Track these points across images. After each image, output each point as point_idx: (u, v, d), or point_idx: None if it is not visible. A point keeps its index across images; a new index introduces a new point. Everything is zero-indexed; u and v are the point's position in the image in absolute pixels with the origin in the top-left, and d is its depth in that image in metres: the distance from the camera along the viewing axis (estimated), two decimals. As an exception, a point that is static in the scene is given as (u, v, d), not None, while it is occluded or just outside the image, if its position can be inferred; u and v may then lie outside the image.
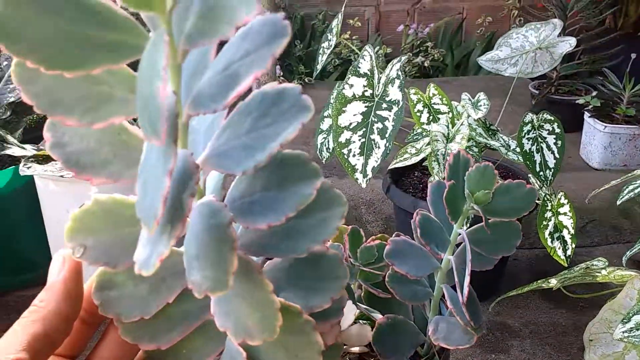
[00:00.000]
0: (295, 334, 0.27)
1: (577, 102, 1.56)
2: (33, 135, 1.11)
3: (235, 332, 0.24)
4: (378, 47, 2.64)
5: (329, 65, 2.52)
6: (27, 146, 0.94)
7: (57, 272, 0.26)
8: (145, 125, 0.20)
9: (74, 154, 0.25)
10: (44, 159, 0.91)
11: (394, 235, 0.53)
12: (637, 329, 0.58)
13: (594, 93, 1.61)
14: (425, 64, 2.48)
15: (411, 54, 2.55)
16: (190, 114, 0.22)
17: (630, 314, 0.59)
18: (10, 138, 0.94)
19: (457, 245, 0.52)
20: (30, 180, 1.00)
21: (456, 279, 0.49)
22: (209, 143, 0.25)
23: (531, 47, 1.20)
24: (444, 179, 0.51)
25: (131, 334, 0.27)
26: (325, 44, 1.02)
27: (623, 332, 0.58)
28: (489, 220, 0.50)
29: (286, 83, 0.24)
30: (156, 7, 0.20)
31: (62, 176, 0.87)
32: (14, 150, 0.91)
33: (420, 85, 2.27)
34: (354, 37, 2.62)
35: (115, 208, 0.26)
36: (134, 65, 0.23)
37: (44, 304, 0.25)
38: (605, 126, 1.44)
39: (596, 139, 1.48)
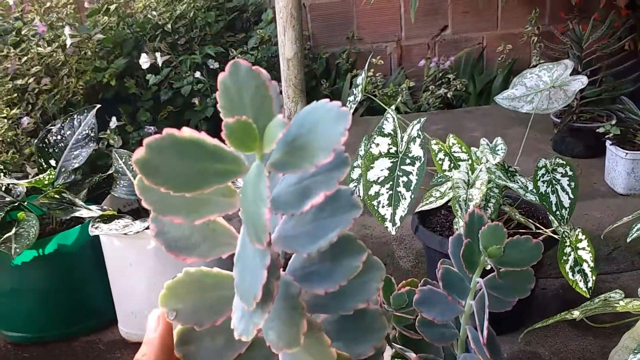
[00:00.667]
0: None
1: (597, 130, 1.61)
2: (94, 194, 1.24)
3: None
4: (398, 79, 2.73)
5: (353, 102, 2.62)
6: (93, 207, 1.06)
7: (154, 329, 0.33)
8: (251, 233, 0.27)
9: (173, 240, 0.32)
10: (108, 219, 1.03)
11: (421, 283, 0.62)
12: (648, 360, 0.64)
13: (614, 120, 1.66)
14: (449, 95, 2.55)
15: (434, 86, 2.64)
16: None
17: (642, 346, 0.65)
18: (78, 201, 1.06)
19: (479, 291, 0.60)
20: (95, 237, 1.12)
21: (477, 322, 0.57)
22: (276, 227, 0.32)
23: (545, 85, 1.27)
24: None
25: None
26: (351, 98, 1.12)
27: (635, 363, 0.64)
28: (501, 270, 0.58)
29: (340, 186, 0.32)
30: (256, 150, 0.28)
31: (125, 234, 0.99)
32: (82, 212, 1.03)
33: (444, 116, 2.33)
34: (377, 74, 2.72)
35: (201, 278, 0.33)
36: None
37: (146, 357, 0.32)
38: (627, 153, 1.49)
39: (619, 165, 1.53)
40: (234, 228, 0.34)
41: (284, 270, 0.34)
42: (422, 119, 0.89)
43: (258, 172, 0.28)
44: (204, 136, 0.28)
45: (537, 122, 2.09)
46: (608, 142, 1.56)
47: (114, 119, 1.70)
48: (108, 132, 1.67)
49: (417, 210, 1.06)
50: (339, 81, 2.71)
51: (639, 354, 0.64)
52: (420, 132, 0.84)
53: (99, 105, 1.31)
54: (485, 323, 0.56)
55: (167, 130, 0.27)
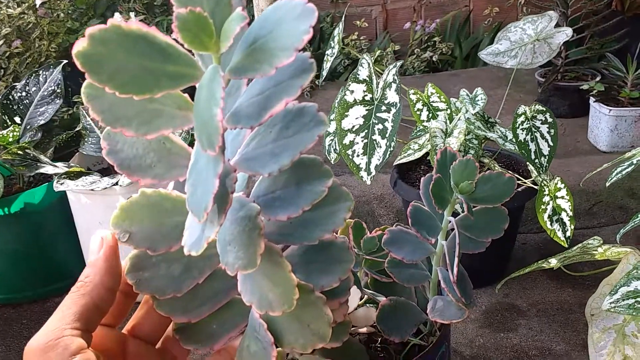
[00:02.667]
0: (308, 307, 0.32)
1: (581, 87, 1.59)
2: (62, 153, 1.20)
3: (259, 305, 0.30)
4: (383, 44, 2.68)
5: (339, 65, 2.57)
6: (59, 164, 1.02)
7: (97, 251, 0.31)
8: (203, 140, 0.25)
9: (126, 160, 0.30)
10: (75, 175, 0.99)
11: (394, 226, 0.59)
12: (623, 300, 0.62)
13: (599, 78, 1.63)
14: (434, 59, 2.51)
15: (419, 50, 2.59)
16: (228, 127, 0.27)
17: (617, 286, 0.64)
18: (43, 157, 1.02)
19: (451, 231, 0.58)
20: (62, 195, 1.09)
21: (447, 261, 0.55)
22: (238, 149, 0.30)
23: (529, 39, 1.24)
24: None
25: (165, 308, 0.32)
26: (329, 52, 1.08)
27: (610, 303, 0.63)
28: (475, 208, 0.56)
29: (305, 102, 0.30)
30: (211, 49, 0.25)
31: (92, 190, 0.95)
32: (48, 169, 1.00)
33: (429, 79, 2.30)
34: (362, 38, 2.67)
35: (159, 200, 0.31)
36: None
37: (89, 279, 0.30)
38: (610, 109, 1.47)
39: (602, 122, 1.51)
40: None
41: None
42: (398, 63, 0.86)
43: (213, 73, 0.25)
44: (154, 31, 0.26)
45: (523, 83, 2.07)
46: (592, 99, 1.54)
47: (88, 82, 1.64)
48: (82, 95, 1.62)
49: (395, 163, 1.03)
50: (323, 45, 2.66)
51: (615, 295, 0.63)
52: (396, 77, 0.81)
53: (65, 61, 1.25)
54: (456, 261, 0.54)
55: (111, 21, 0.25)
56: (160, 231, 0.31)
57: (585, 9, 1.75)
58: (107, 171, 1.15)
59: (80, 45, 0.24)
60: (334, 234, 0.36)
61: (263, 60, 0.25)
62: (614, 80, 1.54)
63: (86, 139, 1.11)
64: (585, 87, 1.57)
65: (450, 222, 0.56)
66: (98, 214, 1.01)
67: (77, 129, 1.16)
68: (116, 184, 0.97)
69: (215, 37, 0.25)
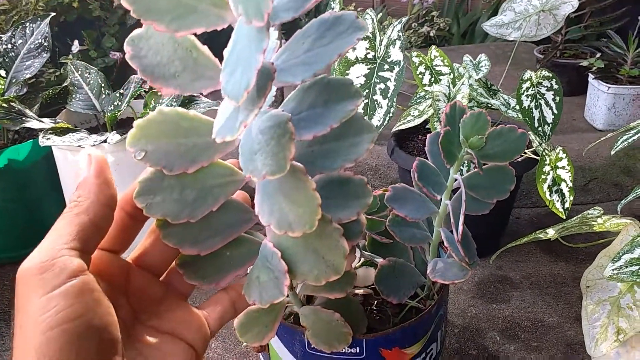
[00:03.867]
0: (324, 238, 0.31)
1: (581, 64, 1.57)
2: (49, 109, 1.16)
3: (278, 224, 0.28)
4: (381, 16, 2.63)
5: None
6: (45, 119, 0.98)
7: (87, 168, 0.28)
8: (249, 10, 0.23)
9: (149, 66, 0.28)
10: (62, 131, 0.95)
11: (397, 184, 0.57)
12: (626, 267, 0.61)
13: (598, 55, 1.62)
14: (431, 34, 2.47)
15: (417, 24, 2.55)
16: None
17: (620, 254, 0.62)
18: (28, 112, 0.98)
19: (455, 192, 0.56)
20: (48, 152, 1.05)
21: (452, 219, 0.53)
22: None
23: (534, 10, 1.21)
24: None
25: (173, 239, 0.30)
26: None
27: (613, 270, 0.61)
28: (484, 166, 0.54)
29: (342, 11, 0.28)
30: None
31: (80, 146, 0.92)
32: (33, 124, 0.96)
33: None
34: (359, 9, 2.61)
35: (176, 119, 0.29)
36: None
37: (82, 198, 0.27)
38: (609, 87, 1.45)
39: (600, 100, 1.49)
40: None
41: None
42: (404, 19, 0.83)
43: None
44: None
45: (522, 61, 2.04)
46: (591, 77, 1.52)
47: (76, 42, 1.59)
48: (70, 56, 1.57)
49: (394, 130, 1.01)
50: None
51: (618, 262, 0.62)
52: (400, 34, 0.78)
53: (53, 13, 1.20)
54: (461, 220, 0.52)
55: None
56: (178, 150, 0.29)
57: (587, -15, 1.72)
58: (95, 130, 1.11)
59: None
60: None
61: None
62: (613, 57, 1.52)
63: (74, 96, 1.07)
64: (584, 63, 1.55)
65: (456, 180, 0.54)
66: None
67: (65, 84, 1.12)
68: (105, 141, 0.93)
69: None
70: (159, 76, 0.28)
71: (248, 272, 0.34)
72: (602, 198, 1.20)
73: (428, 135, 0.56)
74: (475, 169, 0.54)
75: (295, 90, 0.31)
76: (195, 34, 0.27)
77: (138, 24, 0.27)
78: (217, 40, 0.29)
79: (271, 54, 0.29)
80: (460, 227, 0.51)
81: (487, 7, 2.63)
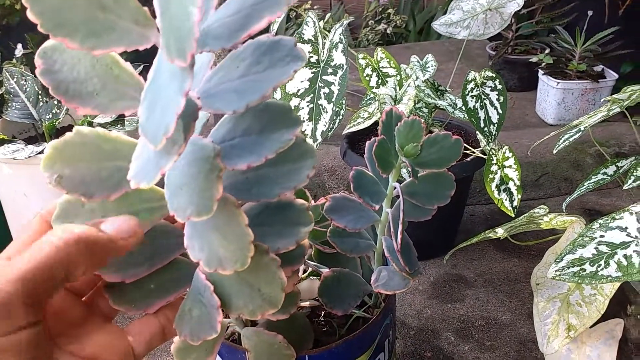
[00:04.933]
0: (260, 270, 0.29)
1: (530, 60, 1.59)
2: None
3: (208, 262, 0.26)
4: (338, 12, 2.62)
5: (289, 34, 2.51)
6: (-22, 131, 0.93)
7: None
8: (170, 46, 0.21)
9: (64, 82, 0.26)
10: (-4, 143, 0.91)
11: (338, 194, 0.56)
12: (568, 267, 0.62)
13: (547, 51, 1.65)
14: (388, 31, 2.48)
15: (373, 22, 2.55)
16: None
17: (563, 254, 0.63)
18: (-40, 123, 0.93)
19: (396, 199, 0.55)
20: (-15, 165, 0.99)
21: (392, 229, 0.52)
22: (196, 88, 0.26)
23: (481, 8, 1.21)
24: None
25: None
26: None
27: (555, 271, 0.62)
28: (421, 174, 0.53)
29: (280, 35, 0.26)
30: None
31: (14, 158, 0.87)
32: (-35, 136, 0.90)
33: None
34: (315, 7, 2.60)
35: (97, 141, 0.27)
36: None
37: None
38: (558, 82, 1.48)
39: (550, 95, 1.52)
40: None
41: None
42: (345, 21, 0.81)
43: None
44: None
45: (475, 57, 2.07)
46: (540, 72, 1.55)
47: (19, 46, 1.53)
48: (14, 60, 1.50)
49: (344, 132, 1.00)
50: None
51: (560, 263, 0.62)
52: (342, 37, 0.76)
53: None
54: (400, 228, 0.51)
55: None
56: (98, 176, 0.27)
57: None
58: (34, 140, 1.06)
59: None
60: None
61: None
62: (562, 53, 1.55)
63: (9, 104, 1.02)
64: (534, 59, 1.58)
65: (395, 188, 0.53)
66: (22, 185, 0.93)
67: (0, 92, 1.06)
68: (41, 152, 0.89)
69: None
70: (75, 95, 0.26)
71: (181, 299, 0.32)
72: (553, 193, 1.22)
73: (367, 143, 0.54)
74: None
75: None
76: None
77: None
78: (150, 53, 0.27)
79: (205, 70, 0.26)
80: (399, 237, 0.50)
81: (442, 4, 2.66)
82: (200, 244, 0.26)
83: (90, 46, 0.23)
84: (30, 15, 0.22)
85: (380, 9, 2.58)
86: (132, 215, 0.28)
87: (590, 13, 1.67)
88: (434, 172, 0.53)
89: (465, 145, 0.97)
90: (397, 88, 0.86)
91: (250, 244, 0.26)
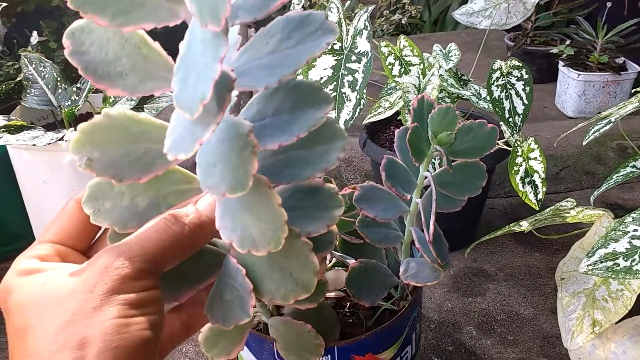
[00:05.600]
0: (292, 254, 0.28)
1: (551, 51, 1.57)
2: (5, 105, 1.09)
3: (240, 242, 0.26)
4: (352, 3, 2.59)
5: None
6: (-2, 117, 0.93)
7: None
8: (204, 10, 0.20)
9: (92, 63, 0.25)
10: (16, 129, 0.90)
11: (365, 183, 0.54)
12: (601, 262, 0.60)
13: (568, 42, 1.62)
14: (403, 22, 2.45)
15: (388, 12, 2.52)
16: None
17: (595, 248, 0.61)
18: (-21, 110, 0.92)
19: (427, 189, 0.54)
20: (4, 151, 0.99)
21: (423, 219, 0.50)
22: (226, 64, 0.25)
23: (504, -3, 1.19)
24: (410, 124, 0.51)
25: None
26: (295, 0, 1.00)
27: (587, 266, 0.60)
28: (453, 162, 0.51)
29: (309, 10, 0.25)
30: None
31: (34, 145, 0.87)
32: (-16, 122, 0.90)
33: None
34: (329, -3, 2.57)
35: (125, 123, 0.26)
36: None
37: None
38: (579, 74, 1.45)
39: (570, 87, 1.49)
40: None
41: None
42: (370, 8, 0.80)
43: None
44: None
45: (493, 48, 2.04)
46: (561, 64, 1.52)
47: (34, 34, 1.52)
48: (29, 48, 1.50)
49: (364, 123, 0.98)
50: (288, 5, 2.55)
51: (592, 257, 0.61)
52: (367, 23, 0.75)
53: (4, 4, 1.13)
54: (432, 220, 0.49)
55: None
56: (127, 158, 0.26)
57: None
58: (52, 127, 1.06)
59: None
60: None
61: None
62: (583, 44, 1.52)
63: (28, 91, 1.02)
64: (554, 50, 1.55)
65: (426, 177, 0.52)
66: (42, 172, 0.93)
67: (18, 79, 1.06)
68: (61, 139, 0.88)
69: None
70: (104, 75, 0.25)
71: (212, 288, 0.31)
72: (574, 187, 1.20)
73: (396, 131, 0.53)
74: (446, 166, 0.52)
75: (259, 92, 0.28)
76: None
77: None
78: (173, 37, 0.26)
79: (232, 51, 0.26)
80: (432, 228, 0.49)
81: (457, -6, 2.62)
82: (233, 224, 0.26)
83: (120, 23, 0.22)
84: None
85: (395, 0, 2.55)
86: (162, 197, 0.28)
87: (609, 4, 1.63)
88: (466, 161, 0.51)
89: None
90: (421, 77, 0.84)
91: (284, 224, 0.25)
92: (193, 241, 0.27)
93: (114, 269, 0.24)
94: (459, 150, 0.50)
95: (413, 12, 2.49)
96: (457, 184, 0.53)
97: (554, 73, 1.59)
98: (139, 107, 0.94)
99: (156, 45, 0.26)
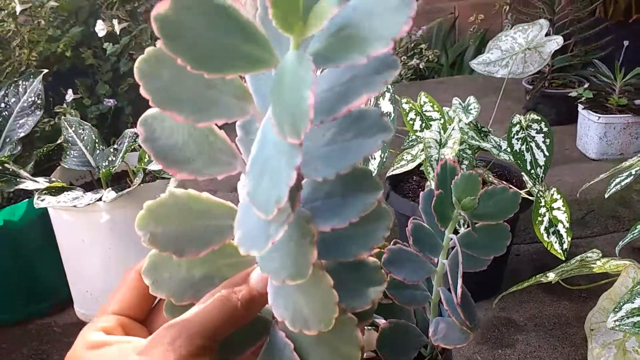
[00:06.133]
0: (339, 329, 0.29)
1: (569, 95, 1.59)
2: (43, 167, 1.16)
3: (293, 321, 0.27)
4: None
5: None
6: (40, 179, 0.98)
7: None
8: (284, 126, 0.22)
9: (163, 149, 0.27)
10: (57, 191, 0.95)
11: (391, 243, 0.57)
12: (628, 317, 0.60)
13: (587, 84, 1.64)
14: (421, 66, 2.51)
15: (406, 57, 2.58)
16: None
17: (621, 303, 0.62)
18: (22, 172, 0.98)
19: (452, 249, 0.56)
20: (44, 211, 1.04)
21: (450, 282, 0.52)
22: None
23: (520, 48, 1.23)
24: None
25: (175, 314, 0.29)
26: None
27: (615, 321, 0.61)
28: (477, 225, 0.53)
29: (366, 106, 0.27)
30: (296, 31, 0.22)
31: (75, 206, 0.91)
32: (27, 184, 0.95)
33: (417, 87, 2.29)
34: (348, 45, 2.65)
35: (189, 202, 0.29)
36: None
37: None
38: (599, 117, 1.47)
39: (591, 130, 1.50)
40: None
41: None
42: (392, 71, 0.84)
43: (299, 57, 0.23)
44: (236, 4, 0.23)
45: (510, 92, 2.06)
46: (580, 107, 1.54)
47: (70, 91, 1.60)
48: (65, 105, 1.57)
49: (388, 175, 1.01)
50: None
51: (619, 312, 0.61)
52: (389, 86, 0.78)
53: (45, 70, 1.21)
54: (459, 282, 0.51)
55: None
56: (189, 234, 0.28)
57: (571, 15, 1.75)
58: (90, 186, 1.11)
59: (161, 8, 0.21)
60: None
61: (354, 48, 0.23)
62: (601, 87, 1.54)
63: (68, 152, 1.07)
64: (573, 94, 1.57)
65: (452, 239, 0.54)
66: (81, 231, 0.97)
67: (59, 141, 1.12)
68: (100, 199, 0.93)
69: (301, 19, 0.22)
70: (173, 161, 0.28)
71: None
72: (601, 231, 1.20)
73: (421, 194, 0.56)
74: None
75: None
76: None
77: (131, 72, 0.26)
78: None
79: None
80: (459, 290, 0.51)
81: (474, 38, 2.68)
82: (285, 303, 0.28)
83: (195, 119, 0.25)
84: (142, 91, 0.24)
85: (412, 45, 2.62)
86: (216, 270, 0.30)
87: (626, 43, 1.66)
88: (490, 224, 0.53)
89: (510, 186, 0.97)
90: (442, 132, 0.87)
91: (335, 305, 0.27)
92: (245, 315, 0.29)
93: (177, 347, 0.26)
94: (482, 214, 0.52)
95: (430, 57, 2.54)
96: (482, 244, 0.55)
97: (574, 115, 1.61)
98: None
99: (221, 133, 0.28)
